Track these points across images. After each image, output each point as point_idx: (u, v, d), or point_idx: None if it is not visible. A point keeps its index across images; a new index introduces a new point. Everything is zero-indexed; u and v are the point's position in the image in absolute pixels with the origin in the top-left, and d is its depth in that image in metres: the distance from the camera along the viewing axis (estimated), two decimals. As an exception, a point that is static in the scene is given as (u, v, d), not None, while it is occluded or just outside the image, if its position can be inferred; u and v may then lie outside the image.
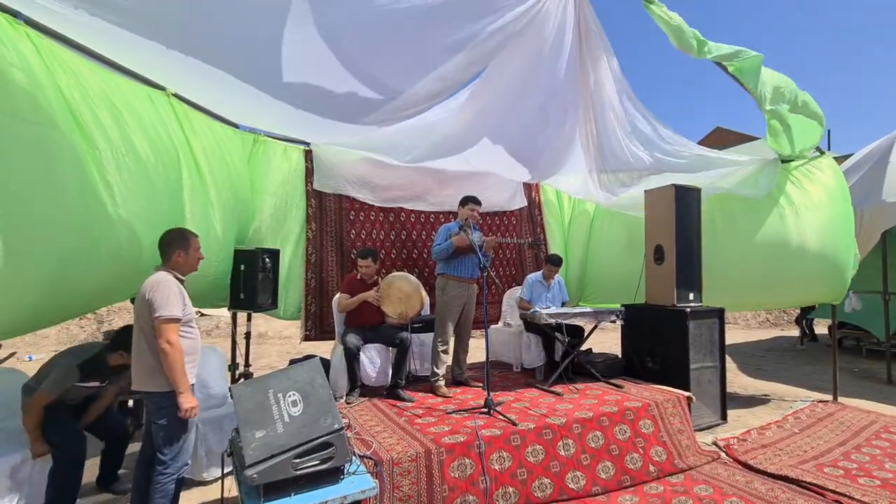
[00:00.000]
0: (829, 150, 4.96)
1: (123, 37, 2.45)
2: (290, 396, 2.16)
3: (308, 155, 4.64)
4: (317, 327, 4.58)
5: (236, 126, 4.10)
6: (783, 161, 4.73)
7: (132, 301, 2.53)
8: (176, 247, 2.45)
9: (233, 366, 3.80)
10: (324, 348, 4.73)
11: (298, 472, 1.97)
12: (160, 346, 2.23)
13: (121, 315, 8.98)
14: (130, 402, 4.16)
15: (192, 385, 2.41)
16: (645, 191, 4.67)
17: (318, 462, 2.01)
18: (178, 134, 3.19)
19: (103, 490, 3.08)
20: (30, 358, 7.23)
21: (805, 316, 8.93)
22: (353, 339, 3.73)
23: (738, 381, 5.95)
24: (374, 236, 5.03)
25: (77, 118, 2.40)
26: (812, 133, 4.57)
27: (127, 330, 2.64)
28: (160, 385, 2.29)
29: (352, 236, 4.90)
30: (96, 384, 2.84)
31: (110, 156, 2.55)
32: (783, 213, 4.65)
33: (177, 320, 2.28)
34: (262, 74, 2.94)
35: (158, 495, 2.30)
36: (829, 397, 4.98)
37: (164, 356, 2.22)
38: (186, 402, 2.28)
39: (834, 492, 2.87)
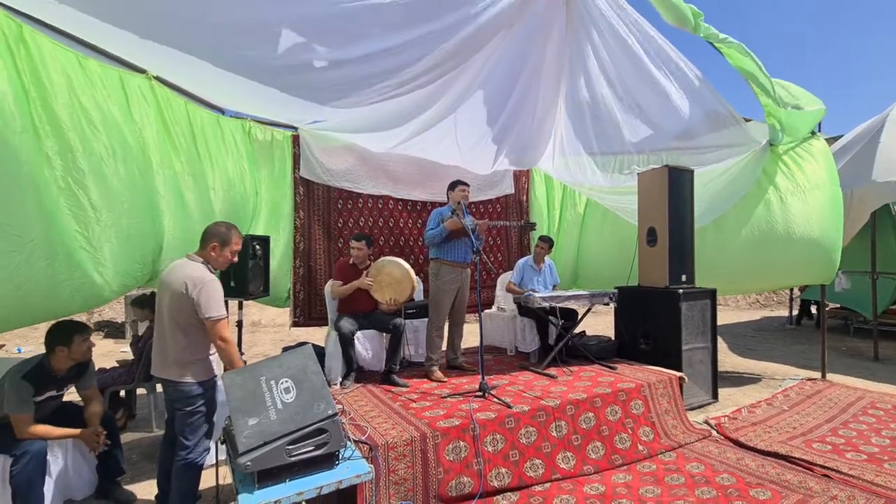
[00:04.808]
0: (819, 131, 4.95)
1: (96, 23, 2.35)
2: (282, 383, 2.14)
3: (295, 140, 4.55)
4: (305, 314, 4.61)
5: (222, 111, 4.00)
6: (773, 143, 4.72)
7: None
8: (214, 239, 2.46)
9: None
10: (318, 335, 4.72)
11: (293, 459, 1.96)
12: (217, 345, 2.36)
13: (111, 305, 8.88)
14: (122, 393, 4.12)
15: (217, 377, 2.52)
16: (638, 173, 4.65)
17: (312, 448, 2.00)
18: (152, 125, 3.09)
19: (102, 498, 2.85)
20: (19, 350, 7.14)
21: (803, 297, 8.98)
22: (347, 324, 3.72)
23: (729, 361, 6.04)
24: (361, 224, 4.98)
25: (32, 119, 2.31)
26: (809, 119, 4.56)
27: (58, 326, 2.62)
28: (193, 376, 2.39)
29: (339, 225, 4.85)
30: (53, 393, 2.66)
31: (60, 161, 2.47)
32: (772, 198, 4.66)
33: (226, 318, 2.40)
34: (248, 59, 2.86)
35: (180, 478, 2.38)
36: (818, 375, 5.06)
37: (222, 352, 2.37)
38: None
39: (822, 466, 2.93)
